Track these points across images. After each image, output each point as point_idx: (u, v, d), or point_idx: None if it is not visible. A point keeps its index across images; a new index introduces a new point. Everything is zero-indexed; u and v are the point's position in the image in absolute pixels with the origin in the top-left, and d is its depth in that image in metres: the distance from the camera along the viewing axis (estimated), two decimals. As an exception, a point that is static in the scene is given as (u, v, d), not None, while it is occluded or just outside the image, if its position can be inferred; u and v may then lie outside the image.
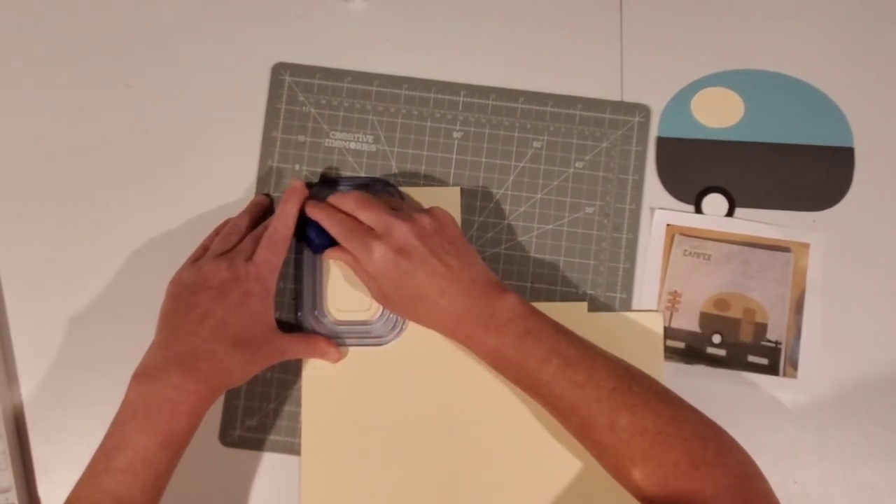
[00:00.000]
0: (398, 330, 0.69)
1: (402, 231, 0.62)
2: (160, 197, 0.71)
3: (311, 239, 0.67)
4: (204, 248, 0.67)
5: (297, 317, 0.69)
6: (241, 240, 0.66)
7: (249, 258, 0.64)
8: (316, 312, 0.69)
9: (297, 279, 0.69)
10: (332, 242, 0.65)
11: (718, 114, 0.72)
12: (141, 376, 0.59)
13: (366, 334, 0.69)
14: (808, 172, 0.71)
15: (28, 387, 0.70)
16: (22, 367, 0.70)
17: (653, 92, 0.72)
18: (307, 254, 0.69)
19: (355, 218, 0.64)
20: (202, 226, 0.70)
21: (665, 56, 0.72)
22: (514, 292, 0.62)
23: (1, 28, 0.73)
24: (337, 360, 0.68)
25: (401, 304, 0.64)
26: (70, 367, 0.70)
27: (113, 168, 0.72)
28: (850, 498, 0.68)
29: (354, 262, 0.64)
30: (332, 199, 0.66)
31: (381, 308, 0.69)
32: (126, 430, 0.58)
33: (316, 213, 0.66)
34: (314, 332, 0.69)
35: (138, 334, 0.69)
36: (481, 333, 0.61)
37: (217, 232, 0.69)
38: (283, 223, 0.65)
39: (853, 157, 0.71)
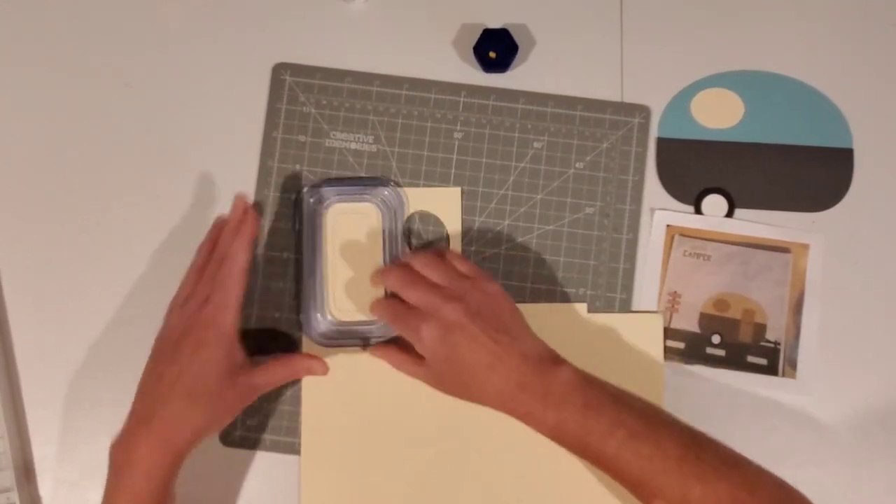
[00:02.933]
0: None
1: (448, 310, 0.61)
2: (160, 197, 0.71)
3: None
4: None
5: (298, 317, 0.69)
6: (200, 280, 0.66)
7: (206, 300, 0.63)
8: (318, 313, 0.69)
9: (298, 279, 0.69)
10: None
11: (718, 114, 0.72)
12: (115, 439, 0.61)
13: (368, 334, 0.69)
14: (808, 173, 0.71)
15: (28, 387, 0.70)
16: (22, 367, 0.70)
17: (653, 92, 0.72)
18: (308, 253, 0.69)
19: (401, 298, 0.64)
20: (202, 225, 0.70)
21: (665, 57, 0.73)
22: (569, 363, 0.61)
23: (1, 28, 0.73)
24: (325, 373, 0.68)
25: (453, 383, 0.63)
26: (70, 367, 0.70)
27: (113, 168, 0.72)
28: (849, 498, 0.68)
29: (400, 359, 0.66)
30: (375, 279, 0.67)
31: None
32: (106, 493, 0.60)
33: (374, 307, 0.67)
34: (316, 335, 0.69)
35: (138, 334, 0.69)
36: (540, 410, 0.60)
37: (194, 266, 0.68)
38: (233, 263, 0.64)
39: (852, 158, 0.72)
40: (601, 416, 0.59)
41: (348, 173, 0.71)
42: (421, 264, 0.65)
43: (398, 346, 0.67)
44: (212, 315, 0.62)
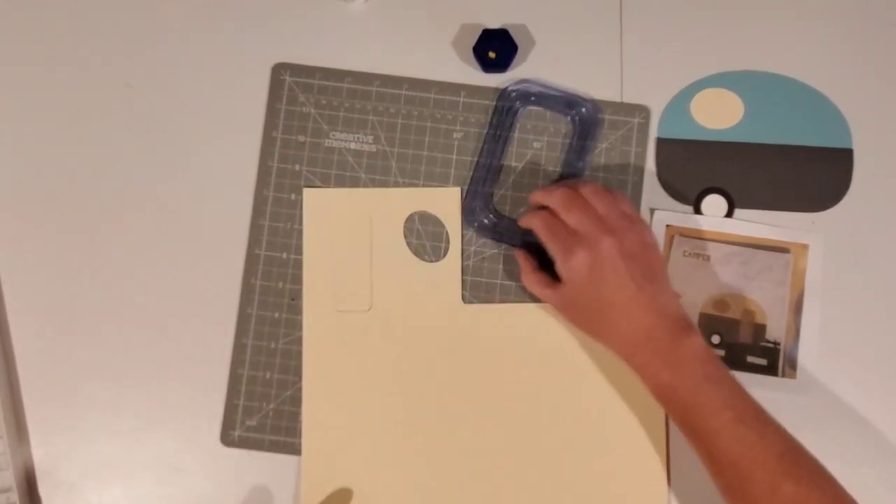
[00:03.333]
0: None
1: (607, 244, 0.62)
2: (160, 196, 0.71)
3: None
4: None
5: (463, 204, 0.70)
6: None
7: None
8: (483, 203, 0.70)
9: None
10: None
11: (718, 115, 0.72)
12: None
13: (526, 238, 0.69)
14: (808, 173, 0.71)
15: (28, 387, 0.70)
16: (22, 366, 0.70)
17: (653, 93, 0.72)
18: (490, 144, 0.70)
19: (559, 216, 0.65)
20: (202, 225, 0.71)
21: (665, 57, 0.73)
22: (699, 334, 0.62)
23: (1, 28, 0.73)
24: None
25: (584, 312, 0.64)
26: (70, 367, 0.70)
27: (113, 167, 0.72)
28: (848, 498, 0.68)
29: (534, 273, 0.66)
30: (538, 195, 0.67)
31: None
32: None
33: (527, 217, 0.67)
34: (478, 226, 0.70)
35: (138, 334, 0.70)
36: (658, 365, 0.61)
37: None
38: None
39: (852, 159, 0.72)
40: (716, 394, 0.59)
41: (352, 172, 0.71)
42: (590, 192, 0.65)
43: (532, 261, 0.67)
44: None
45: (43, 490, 0.69)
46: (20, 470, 0.68)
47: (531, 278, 0.67)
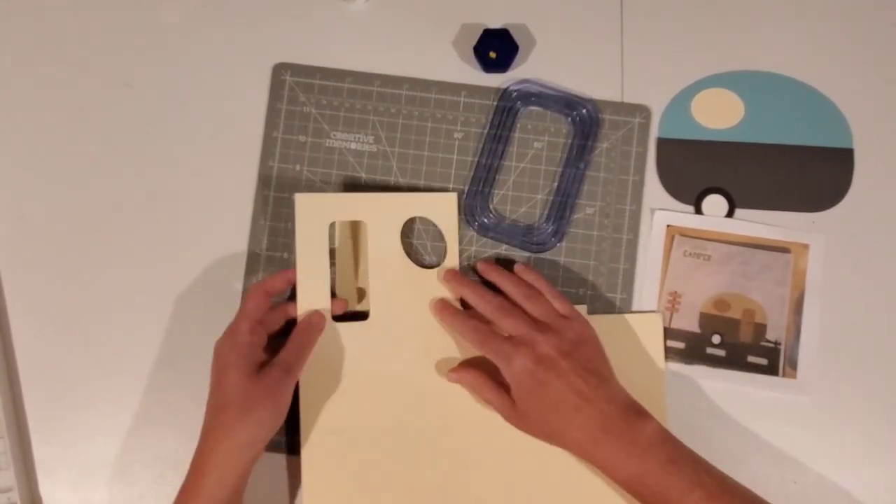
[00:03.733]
0: (559, 236, 0.70)
1: (543, 344, 0.62)
2: (161, 196, 0.71)
3: None
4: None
5: (463, 201, 0.70)
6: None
7: (252, 329, 0.63)
8: (482, 202, 0.70)
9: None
10: None
11: (718, 115, 0.72)
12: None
13: (527, 234, 0.70)
14: (808, 173, 0.71)
15: (29, 387, 0.70)
16: (22, 366, 0.70)
17: (653, 93, 0.72)
18: (489, 143, 0.70)
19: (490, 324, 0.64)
20: (202, 225, 0.71)
21: (665, 57, 0.73)
22: (653, 417, 0.62)
23: (1, 28, 0.73)
24: (323, 322, 0.66)
25: (535, 418, 0.63)
26: (70, 367, 0.70)
27: (113, 167, 0.72)
28: (849, 498, 0.68)
29: (480, 383, 0.65)
30: (469, 294, 0.66)
31: (544, 212, 0.70)
32: (183, 494, 0.61)
33: (449, 318, 0.66)
34: (476, 225, 0.70)
35: (138, 334, 0.70)
36: (622, 458, 0.60)
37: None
38: (295, 350, 0.65)
39: (853, 158, 0.72)
40: (682, 474, 0.59)
41: (352, 175, 0.71)
42: (521, 296, 0.65)
43: (478, 370, 0.66)
44: (228, 331, 0.63)
45: (44, 489, 0.69)
46: (21, 469, 0.68)
47: (482, 386, 0.65)
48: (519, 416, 0.64)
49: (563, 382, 0.61)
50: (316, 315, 0.66)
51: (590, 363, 0.63)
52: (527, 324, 0.63)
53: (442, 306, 0.67)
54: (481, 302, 0.65)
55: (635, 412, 0.62)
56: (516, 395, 0.63)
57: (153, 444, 0.69)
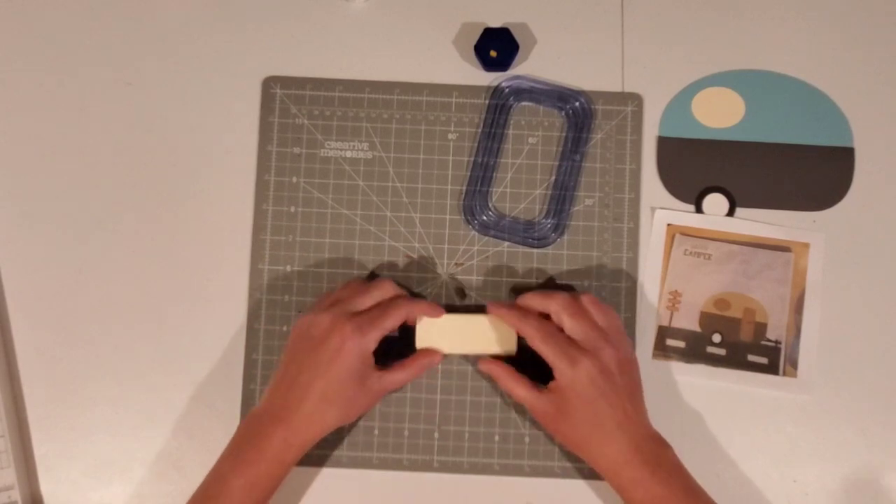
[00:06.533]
0: (560, 230, 0.70)
1: (609, 355, 0.62)
2: (161, 198, 0.71)
3: None
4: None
5: (461, 203, 0.70)
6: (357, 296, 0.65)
7: (361, 313, 0.63)
8: (481, 201, 0.70)
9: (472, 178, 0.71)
10: None
11: (719, 114, 0.72)
12: (251, 415, 0.63)
13: (526, 233, 0.70)
14: (809, 172, 0.71)
15: (29, 386, 0.70)
16: (23, 366, 0.70)
17: (654, 91, 0.72)
18: (484, 141, 0.70)
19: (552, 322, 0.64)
20: (202, 226, 0.71)
21: (666, 55, 0.72)
22: (670, 445, 0.63)
23: (2, 28, 0.73)
24: (440, 361, 0.67)
25: (575, 423, 0.63)
26: (71, 366, 0.70)
27: (113, 168, 0.71)
28: (849, 497, 0.68)
29: (513, 377, 0.64)
30: (530, 299, 0.65)
31: (544, 207, 0.70)
32: (221, 463, 0.62)
33: (508, 312, 0.65)
34: (476, 223, 0.70)
35: (138, 334, 0.70)
36: (648, 479, 0.61)
37: (357, 280, 0.68)
38: (408, 301, 0.65)
39: (853, 158, 0.72)
40: (699, 500, 0.62)
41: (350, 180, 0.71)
42: (588, 301, 0.64)
43: (510, 367, 0.65)
44: (360, 327, 0.62)
45: (44, 488, 0.69)
46: (22, 468, 0.68)
47: (515, 380, 0.64)
48: (558, 416, 0.63)
49: (616, 398, 0.62)
50: (438, 356, 0.67)
51: (636, 385, 0.64)
52: (595, 330, 0.63)
53: (501, 303, 0.67)
54: (547, 300, 0.64)
55: (660, 440, 0.63)
56: (567, 397, 0.62)
57: (153, 444, 0.69)
